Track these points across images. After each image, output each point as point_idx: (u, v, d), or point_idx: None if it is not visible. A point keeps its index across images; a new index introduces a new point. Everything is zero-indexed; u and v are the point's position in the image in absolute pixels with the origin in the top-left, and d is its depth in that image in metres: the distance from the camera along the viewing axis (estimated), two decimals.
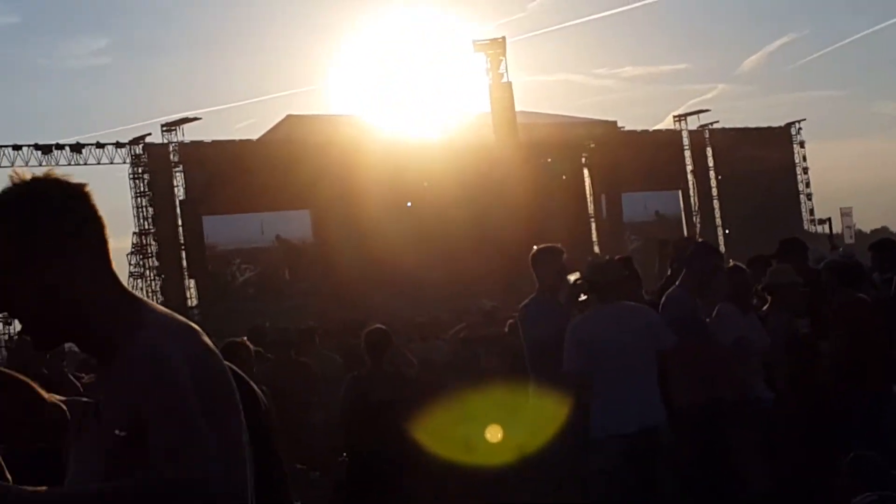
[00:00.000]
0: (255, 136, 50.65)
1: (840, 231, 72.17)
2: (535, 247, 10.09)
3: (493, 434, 10.20)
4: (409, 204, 47.92)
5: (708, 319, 9.72)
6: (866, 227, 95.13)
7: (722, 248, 55.19)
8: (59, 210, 3.09)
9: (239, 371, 6.66)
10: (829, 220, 62.33)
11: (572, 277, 9.67)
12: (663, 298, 9.78)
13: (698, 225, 58.96)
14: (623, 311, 9.16)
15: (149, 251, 45.32)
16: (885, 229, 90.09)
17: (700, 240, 11.44)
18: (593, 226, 56.08)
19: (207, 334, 5.92)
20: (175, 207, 45.28)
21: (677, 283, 9.89)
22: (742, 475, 9.23)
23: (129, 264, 46.12)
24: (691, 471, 9.31)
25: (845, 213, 72.29)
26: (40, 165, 40.48)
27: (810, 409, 10.50)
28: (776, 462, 9.45)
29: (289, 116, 52.54)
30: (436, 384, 14.02)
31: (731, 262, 10.67)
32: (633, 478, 8.84)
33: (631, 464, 8.80)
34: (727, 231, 58.78)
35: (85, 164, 43.74)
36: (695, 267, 9.69)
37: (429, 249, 44.33)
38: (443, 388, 14.00)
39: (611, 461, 8.93)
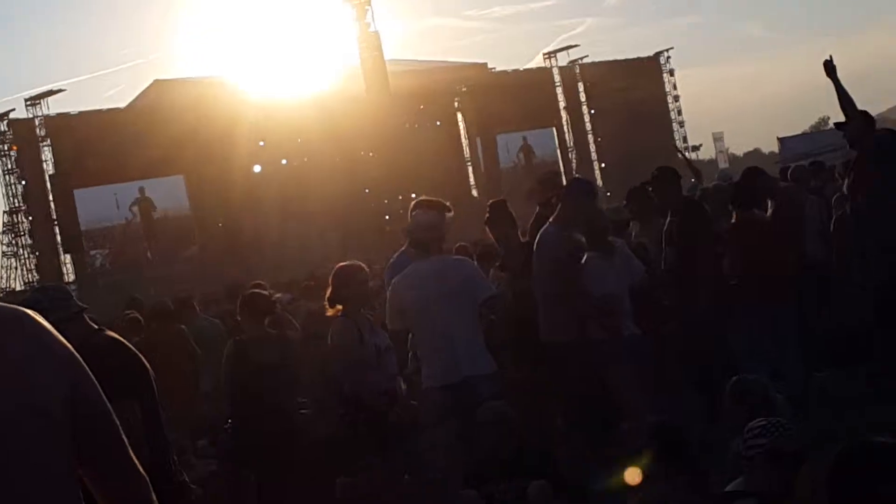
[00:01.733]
0: (122, 104, 49.89)
1: (714, 156, 73.23)
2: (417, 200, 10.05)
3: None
4: (284, 161, 47.66)
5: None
6: (739, 151, 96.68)
7: (599, 182, 55.83)
8: None
9: (129, 345, 6.57)
10: (700, 146, 63.29)
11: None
12: (537, 237, 9.72)
13: (574, 161, 59.38)
14: (440, 265, 9.09)
15: (21, 229, 44.58)
16: (757, 151, 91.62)
17: (576, 176, 11.39)
18: (470, 170, 56.23)
19: (88, 310, 5.76)
20: (45, 182, 44.55)
21: (550, 220, 9.84)
22: (624, 410, 9.26)
23: (2, 244, 45.36)
24: (572, 409, 9.34)
25: (717, 138, 73.43)
26: None
27: (690, 337, 10.63)
28: (657, 394, 9.51)
29: (156, 82, 51.98)
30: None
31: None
32: (454, 428, 8.88)
33: (453, 414, 8.82)
34: (603, 165, 59.33)
35: None
36: (570, 205, 9.65)
37: (308, 206, 44.14)
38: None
39: (435, 410, 8.97)
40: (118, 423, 2.96)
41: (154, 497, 3.03)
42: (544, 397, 9.50)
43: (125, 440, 2.97)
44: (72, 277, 43.53)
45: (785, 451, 5.55)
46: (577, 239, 9.58)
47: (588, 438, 9.39)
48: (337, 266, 8.97)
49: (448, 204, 9.83)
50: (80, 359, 2.91)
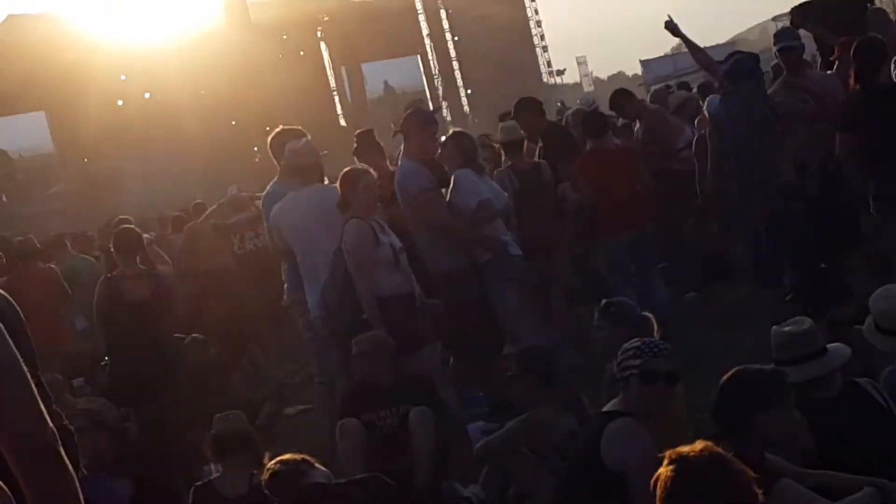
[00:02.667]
0: None
1: (579, 80, 73.69)
2: (276, 130, 10.03)
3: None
4: (147, 95, 47.04)
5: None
6: (603, 74, 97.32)
7: (466, 109, 56.03)
8: None
9: None
10: (564, 70, 63.67)
11: None
12: (397, 175, 9.75)
13: (440, 88, 59.43)
14: (318, 192, 9.11)
15: None
16: (621, 74, 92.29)
17: (415, 108, 11.33)
18: (336, 100, 55.99)
19: None
20: None
21: (402, 154, 9.90)
22: (513, 334, 9.40)
23: None
24: (456, 338, 9.43)
25: (581, 62, 73.85)
26: None
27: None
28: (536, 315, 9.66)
29: (10, 17, 50.86)
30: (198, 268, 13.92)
31: (452, 129, 10.68)
32: (334, 354, 8.97)
33: (335, 338, 8.90)
34: (469, 91, 59.44)
35: None
36: (413, 137, 9.68)
37: (174, 140, 43.68)
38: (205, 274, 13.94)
39: (320, 339, 9.14)
40: (23, 369, 2.95)
41: (59, 447, 3.03)
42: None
43: (31, 388, 2.96)
44: None
45: (658, 370, 5.70)
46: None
47: (472, 365, 9.53)
48: (343, 171, 8.82)
49: (304, 131, 9.89)
50: None
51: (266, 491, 6.29)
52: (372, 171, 8.86)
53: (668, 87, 20.02)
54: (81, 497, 3.06)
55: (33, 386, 2.96)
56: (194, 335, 10.63)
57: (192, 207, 18.23)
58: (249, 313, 13.99)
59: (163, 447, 9.59)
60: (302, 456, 6.42)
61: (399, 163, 9.89)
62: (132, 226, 11.84)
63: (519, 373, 7.37)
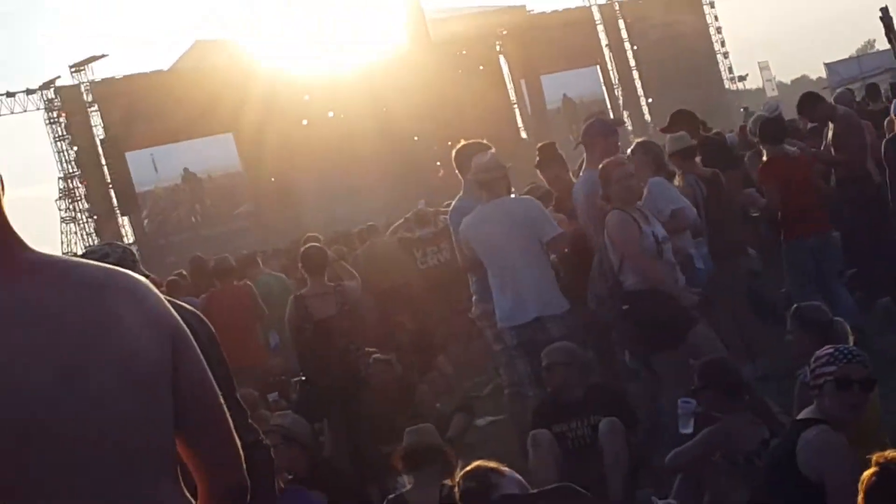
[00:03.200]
0: (165, 67, 49.99)
1: (761, 85, 72.59)
2: (460, 144, 10.06)
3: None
4: (330, 114, 47.70)
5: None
6: (786, 79, 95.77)
7: (647, 118, 55.60)
8: None
9: (185, 305, 6.68)
10: (746, 75, 62.85)
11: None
12: (579, 186, 9.67)
13: (621, 98, 59.12)
14: (504, 206, 9.13)
15: (77, 194, 44.91)
16: (804, 78, 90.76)
17: (596, 118, 11.17)
18: (517, 112, 56.08)
19: (148, 271, 5.74)
20: (97, 147, 44.83)
21: (584, 166, 9.83)
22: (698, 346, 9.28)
23: (59, 210, 45.71)
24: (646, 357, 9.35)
25: (763, 67, 72.77)
26: None
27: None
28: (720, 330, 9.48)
29: (197, 43, 52.06)
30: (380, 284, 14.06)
31: (638, 140, 10.50)
32: (525, 366, 9.00)
33: (524, 351, 8.94)
34: (650, 100, 58.99)
35: None
36: (596, 148, 9.58)
37: (357, 157, 44.20)
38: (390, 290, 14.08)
39: (506, 347, 9.15)
40: (221, 402, 2.96)
41: (247, 484, 3.03)
42: (614, 336, 9.52)
43: (222, 404, 2.96)
44: (130, 239, 43.82)
45: (853, 377, 5.60)
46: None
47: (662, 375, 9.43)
48: (602, 163, 8.90)
49: (488, 144, 9.92)
50: (184, 326, 2.90)
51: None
52: (627, 163, 8.88)
53: (849, 89, 19.56)
54: None
55: (230, 422, 2.98)
56: (376, 356, 10.78)
57: (366, 228, 18.44)
58: (436, 326, 14.13)
59: (356, 460, 9.75)
60: (493, 464, 6.46)
61: (581, 174, 9.84)
62: (319, 244, 12.05)
63: (703, 385, 7.31)
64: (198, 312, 6.36)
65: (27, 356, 2.58)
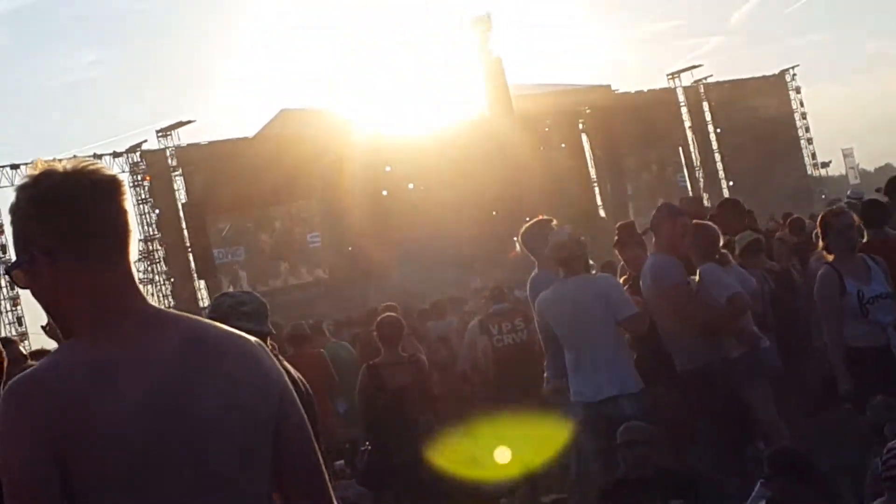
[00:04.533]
0: (250, 134, 50.53)
1: (844, 172, 72.13)
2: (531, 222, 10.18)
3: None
4: (410, 186, 47.97)
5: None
6: (870, 166, 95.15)
7: None
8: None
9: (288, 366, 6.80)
10: (829, 162, 62.56)
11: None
12: (645, 270, 9.64)
13: (702, 180, 58.98)
14: (582, 284, 9.17)
15: (156, 256, 45.38)
16: (888, 166, 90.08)
17: (665, 202, 11.19)
18: (597, 191, 56.08)
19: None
20: (178, 211, 45.32)
21: (652, 250, 9.83)
22: (764, 430, 9.17)
23: (138, 271, 46.17)
24: (712, 432, 9.28)
25: (847, 154, 72.28)
26: None
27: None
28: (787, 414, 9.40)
29: (282, 111, 52.62)
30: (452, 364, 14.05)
31: (694, 222, 10.42)
32: (594, 444, 9.00)
33: (592, 430, 8.94)
34: (731, 183, 58.78)
35: None
36: (664, 231, 9.58)
37: (436, 230, 44.30)
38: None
39: (578, 425, 9.14)
40: (320, 460, 3.09)
41: None
42: (687, 418, 9.48)
43: (322, 466, 3.10)
44: (206, 303, 44.15)
45: None
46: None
47: (728, 460, 9.34)
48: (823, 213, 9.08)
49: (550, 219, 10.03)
50: (291, 387, 3.08)
51: None
52: (848, 211, 9.16)
53: None
54: None
55: (326, 477, 3.11)
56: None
57: (431, 306, 18.48)
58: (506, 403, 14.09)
59: None
60: None
61: (649, 257, 9.83)
62: (395, 314, 12.10)
63: (774, 472, 7.25)
64: (294, 373, 6.46)
65: (140, 405, 2.75)
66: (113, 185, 2.99)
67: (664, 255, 9.46)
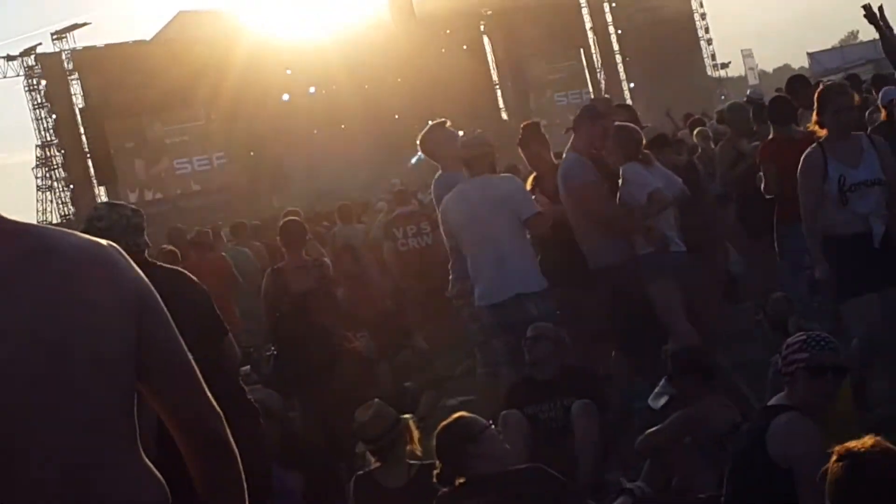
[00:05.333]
0: (148, 37, 49.81)
1: (744, 73, 72.76)
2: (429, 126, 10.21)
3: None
4: (312, 90, 47.63)
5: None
6: (768, 67, 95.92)
7: (629, 101, 55.61)
8: None
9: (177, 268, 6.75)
10: (729, 63, 63.07)
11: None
12: (560, 170, 9.69)
13: (603, 82, 59.19)
14: (485, 184, 9.17)
15: (54, 162, 44.79)
16: (786, 67, 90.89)
17: (589, 102, 11.20)
18: (499, 93, 56.10)
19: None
20: (76, 116, 44.66)
21: (567, 148, 9.84)
22: (671, 330, 9.23)
23: (36, 178, 45.54)
24: (623, 332, 9.36)
25: (746, 55, 72.87)
26: None
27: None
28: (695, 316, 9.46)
29: (180, 13, 51.93)
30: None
31: (616, 124, 10.43)
32: (501, 346, 9.05)
33: (500, 331, 8.98)
34: (632, 85, 59.09)
35: None
36: (583, 131, 9.63)
37: (337, 134, 44.13)
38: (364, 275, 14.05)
39: (485, 329, 9.18)
40: (189, 358, 2.99)
41: (226, 431, 3.06)
42: (589, 318, 9.54)
43: (194, 368, 3.01)
44: None
45: (826, 364, 5.60)
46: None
47: (636, 360, 9.43)
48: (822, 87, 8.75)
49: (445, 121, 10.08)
50: (152, 291, 2.95)
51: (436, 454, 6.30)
52: (851, 91, 8.77)
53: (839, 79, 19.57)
54: (244, 486, 3.10)
55: (198, 372, 3.00)
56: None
57: (337, 210, 18.40)
58: (411, 305, 14.13)
59: (327, 437, 9.73)
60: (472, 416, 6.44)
61: (565, 154, 9.85)
62: (298, 219, 12.05)
63: (678, 370, 7.35)
64: (188, 274, 6.42)
65: (4, 324, 2.61)
66: None
67: (577, 155, 9.49)
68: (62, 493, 2.69)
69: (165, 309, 2.97)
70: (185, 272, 6.66)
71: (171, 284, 6.10)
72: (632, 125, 10.03)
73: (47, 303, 2.72)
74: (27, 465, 2.65)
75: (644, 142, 9.84)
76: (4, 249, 2.71)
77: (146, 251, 6.26)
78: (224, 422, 3.05)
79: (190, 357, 3.00)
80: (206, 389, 3.02)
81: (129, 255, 5.74)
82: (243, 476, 3.11)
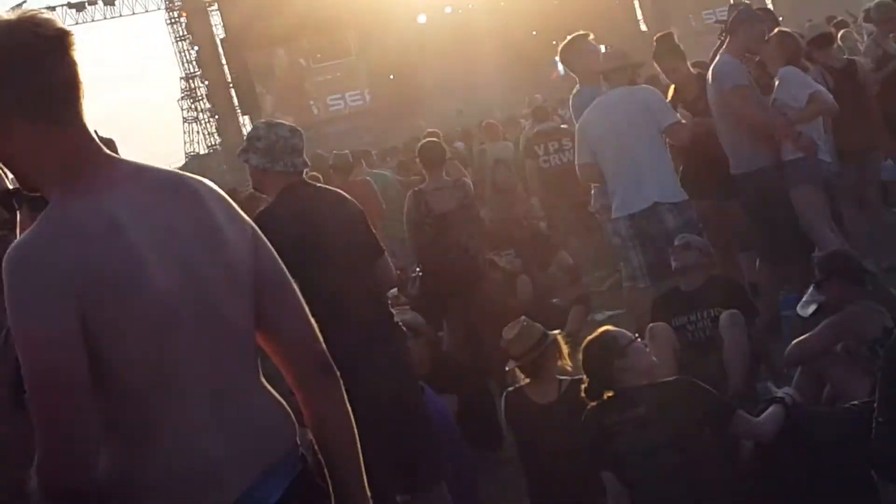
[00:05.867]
0: None
1: None
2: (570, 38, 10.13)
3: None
4: (448, 10, 47.48)
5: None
6: None
7: (770, 6, 54.44)
8: None
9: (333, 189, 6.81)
10: None
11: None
12: (710, 70, 9.55)
13: None
14: (624, 95, 9.10)
15: (198, 94, 45.39)
16: None
17: (744, 5, 10.97)
18: (636, 4, 55.31)
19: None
20: (217, 47, 45.11)
21: (721, 50, 9.68)
22: (816, 237, 9.08)
23: (181, 109, 46.22)
24: (766, 243, 9.26)
25: None
26: (76, 24, 40.37)
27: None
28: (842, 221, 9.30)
29: None
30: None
31: (778, 29, 10.23)
32: (641, 258, 9.00)
33: (638, 242, 8.94)
34: None
35: (120, 16, 43.56)
36: (740, 34, 9.47)
37: (475, 53, 43.93)
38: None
39: (622, 240, 9.12)
40: (295, 288, 3.11)
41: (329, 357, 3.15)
42: (733, 228, 9.45)
43: (304, 306, 3.11)
44: None
45: None
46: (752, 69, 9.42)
47: (783, 269, 9.32)
48: None
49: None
50: (256, 227, 3.09)
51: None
52: None
53: None
54: (351, 414, 3.16)
55: (302, 300, 3.11)
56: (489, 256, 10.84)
57: (483, 129, 18.37)
58: (556, 221, 14.13)
59: (475, 355, 9.79)
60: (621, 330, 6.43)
61: (720, 56, 9.66)
62: (437, 139, 12.07)
63: (826, 276, 7.24)
64: (344, 193, 6.46)
65: (151, 253, 2.75)
66: (61, 38, 2.80)
67: (731, 57, 9.35)
68: (210, 418, 2.81)
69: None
70: (342, 192, 6.69)
71: (329, 203, 6.22)
72: (792, 32, 9.89)
73: (189, 232, 2.86)
74: (182, 390, 2.78)
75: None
76: (139, 185, 2.85)
77: (304, 171, 6.27)
78: (329, 357, 3.15)
79: (296, 287, 3.11)
80: (311, 317, 3.13)
81: (286, 174, 5.87)
82: (349, 405, 3.17)
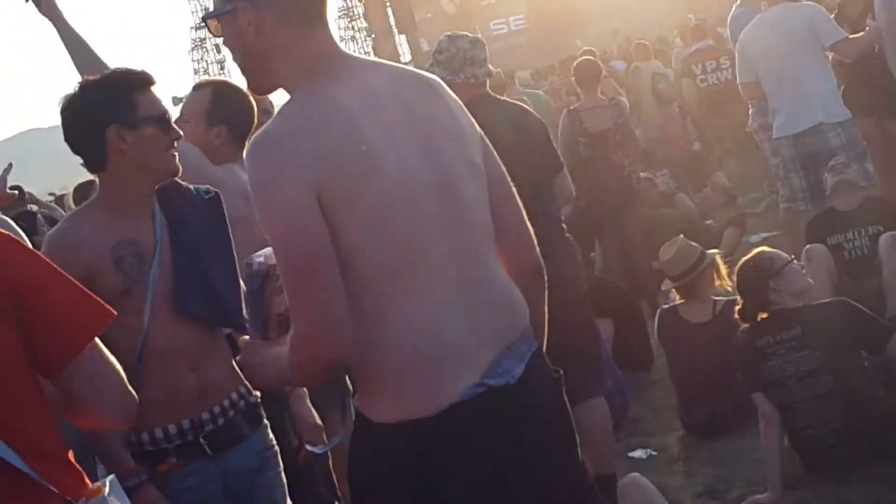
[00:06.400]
0: None
1: None
2: None
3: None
4: None
5: None
6: None
7: None
8: None
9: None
10: None
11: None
12: None
13: None
14: (787, 10, 8.84)
15: (355, 13, 45.64)
16: None
17: None
18: None
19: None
20: None
21: None
22: None
23: (339, 28, 46.56)
24: None
25: None
26: None
27: None
28: None
29: None
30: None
31: None
32: (801, 180, 8.80)
33: (800, 164, 8.74)
34: None
35: None
36: None
37: None
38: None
39: (783, 160, 8.94)
40: (514, 191, 3.16)
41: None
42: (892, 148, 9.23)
43: (521, 208, 3.18)
44: (407, 58, 44.33)
45: None
46: None
47: None
48: None
49: None
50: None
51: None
52: None
53: None
54: (546, 313, 3.27)
55: (522, 208, 3.17)
56: (644, 174, 10.73)
57: (633, 48, 18.16)
58: (711, 142, 13.96)
59: (628, 276, 9.75)
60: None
61: None
62: (593, 58, 11.97)
63: None
64: (525, 106, 6.46)
65: (386, 139, 2.82)
66: None
67: None
68: (457, 297, 2.90)
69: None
70: (522, 104, 6.71)
71: (512, 115, 6.21)
72: None
73: (427, 117, 2.96)
74: (426, 270, 2.86)
75: None
76: (377, 76, 2.96)
77: (487, 82, 6.27)
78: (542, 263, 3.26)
79: (515, 191, 3.19)
80: (525, 221, 3.21)
81: (468, 86, 5.90)
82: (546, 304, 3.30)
